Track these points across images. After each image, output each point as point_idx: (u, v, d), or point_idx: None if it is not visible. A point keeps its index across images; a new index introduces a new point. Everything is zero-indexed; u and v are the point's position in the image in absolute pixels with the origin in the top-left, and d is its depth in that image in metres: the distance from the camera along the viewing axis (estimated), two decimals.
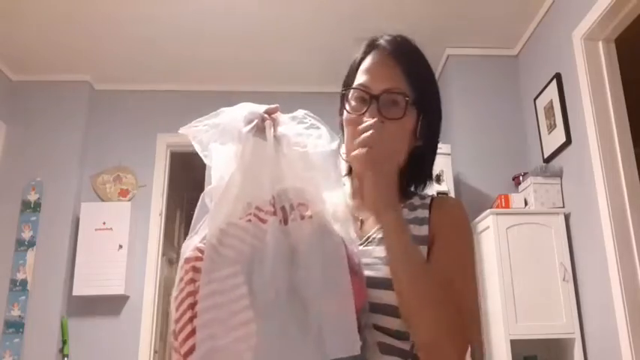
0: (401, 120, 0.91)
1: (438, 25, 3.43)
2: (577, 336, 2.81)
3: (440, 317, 0.78)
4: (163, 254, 4.01)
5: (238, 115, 0.81)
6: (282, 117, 0.83)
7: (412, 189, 1.02)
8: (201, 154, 0.83)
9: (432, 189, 1.04)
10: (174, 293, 0.75)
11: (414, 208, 0.95)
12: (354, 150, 0.84)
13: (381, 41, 0.97)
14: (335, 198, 0.83)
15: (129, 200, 3.87)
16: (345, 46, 3.55)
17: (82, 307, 3.61)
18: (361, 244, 0.90)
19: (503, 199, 3.14)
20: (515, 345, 2.80)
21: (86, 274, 3.58)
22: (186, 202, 4.96)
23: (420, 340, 0.79)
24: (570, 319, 2.83)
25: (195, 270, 0.74)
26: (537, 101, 3.38)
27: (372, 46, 0.98)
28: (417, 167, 1.00)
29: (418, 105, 0.94)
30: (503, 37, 3.63)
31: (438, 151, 1.04)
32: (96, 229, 3.68)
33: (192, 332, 0.70)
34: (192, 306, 0.72)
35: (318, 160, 0.82)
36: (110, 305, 3.65)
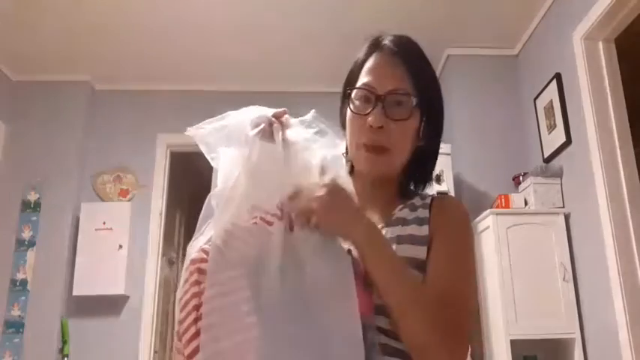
0: (406, 121, 0.92)
1: (438, 25, 3.43)
2: (577, 336, 2.81)
3: (428, 319, 0.78)
4: (163, 254, 4.01)
5: (245, 118, 0.81)
6: (291, 121, 0.83)
7: (413, 188, 1.02)
8: (208, 157, 0.83)
9: (432, 189, 1.05)
10: (178, 294, 0.75)
11: (414, 208, 0.95)
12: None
13: (386, 41, 0.97)
14: None
15: (129, 200, 3.87)
16: (344, 45, 3.56)
17: (82, 307, 3.61)
18: None
19: (503, 199, 3.14)
20: (515, 345, 2.80)
21: (86, 274, 3.58)
22: (186, 202, 4.95)
23: (411, 344, 0.79)
24: (570, 319, 2.83)
25: (201, 272, 0.74)
26: (537, 101, 3.38)
27: (375, 46, 0.98)
28: (419, 167, 1.00)
29: (422, 106, 0.94)
30: (503, 37, 3.64)
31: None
32: (96, 229, 3.68)
33: (197, 334, 0.70)
34: (197, 307, 0.72)
35: (326, 166, 0.82)
36: (110, 305, 3.65)
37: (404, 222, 0.93)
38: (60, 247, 3.67)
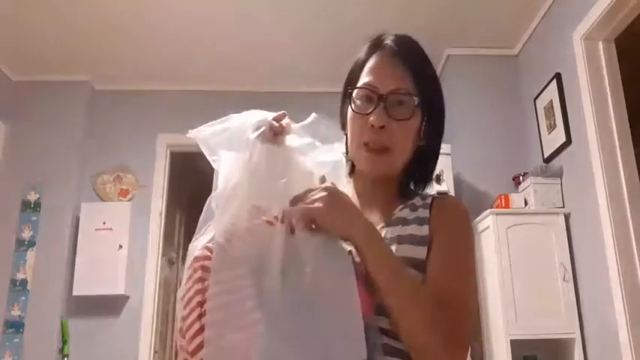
0: (407, 120, 0.92)
1: (438, 25, 3.43)
2: (577, 336, 2.81)
3: (427, 319, 0.78)
4: (163, 254, 4.01)
5: (246, 121, 0.82)
6: (292, 125, 0.84)
7: (413, 188, 1.02)
8: (209, 159, 0.84)
9: (432, 189, 1.04)
10: (181, 292, 0.76)
11: (415, 208, 0.95)
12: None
13: (387, 41, 0.97)
14: None
15: (129, 200, 3.87)
16: (344, 45, 3.56)
17: (82, 307, 3.61)
18: None
19: (503, 199, 3.14)
20: (515, 345, 2.80)
21: (86, 274, 3.58)
22: (186, 202, 4.95)
23: (411, 344, 0.79)
24: (570, 319, 2.83)
25: (204, 269, 0.75)
26: (537, 101, 3.38)
27: (377, 45, 0.97)
28: (420, 167, 1.00)
29: (423, 105, 0.94)
30: (503, 37, 3.64)
31: None
32: (96, 229, 3.68)
33: (200, 330, 0.71)
34: (201, 304, 0.72)
35: (326, 171, 0.82)
36: (110, 305, 3.65)
37: (404, 222, 0.93)
38: (60, 247, 3.67)
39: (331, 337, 0.70)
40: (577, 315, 2.84)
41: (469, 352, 0.84)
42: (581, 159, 2.88)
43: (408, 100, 0.92)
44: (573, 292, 2.88)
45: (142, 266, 3.75)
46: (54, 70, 3.90)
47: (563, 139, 3.05)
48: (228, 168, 0.81)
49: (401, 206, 0.96)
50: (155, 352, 3.76)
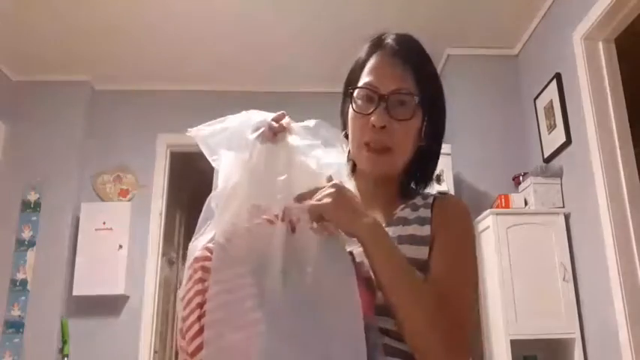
0: (408, 120, 0.91)
1: (438, 25, 3.43)
2: (577, 336, 2.81)
3: (429, 319, 0.78)
4: (163, 254, 4.01)
5: (246, 122, 0.81)
6: (293, 125, 0.83)
7: (414, 188, 1.02)
8: (209, 158, 0.83)
9: (433, 189, 1.04)
10: (181, 292, 0.76)
11: (416, 208, 0.95)
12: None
13: (388, 40, 0.97)
14: None
15: (129, 200, 3.87)
16: (344, 45, 3.55)
17: (82, 307, 3.61)
18: None
19: (503, 199, 3.14)
20: (515, 345, 2.80)
21: (86, 274, 3.58)
22: (186, 202, 4.95)
23: (413, 344, 0.79)
24: (570, 319, 2.83)
25: (205, 269, 0.74)
26: (537, 101, 3.38)
27: (377, 45, 0.97)
28: (421, 167, 1.00)
29: (424, 105, 0.94)
30: (503, 37, 3.64)
31: None
32: (96, 229, 3.68)
33: (200, 331, 0.71)
34: (201, 305, 0.72)
35: (331, 172, 0.82)
36: (110, 305, 3.65)
37: (405, 222, 0.93)
38: (60, 247, 3.67)
39: (331, 337, 0.70)
40: (577, 315, 2.84)
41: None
42: (581, 159, 2.88)
43: (409, 99, 0.92)
44: (573, 292, 2.88)
45: (142, 266, 3.75)
46: (54, 70, 3.90)
47: (563, 139, 3.05)
48: (228, 167, 0.81)
49: (402, 206, 0.96)
50: (155, 352, 3.76)
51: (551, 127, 3.19)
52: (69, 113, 3.93)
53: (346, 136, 0.99)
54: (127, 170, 3.93)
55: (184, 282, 0.76)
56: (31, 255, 3.65)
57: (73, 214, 3.74)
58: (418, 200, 0.97)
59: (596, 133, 2.72)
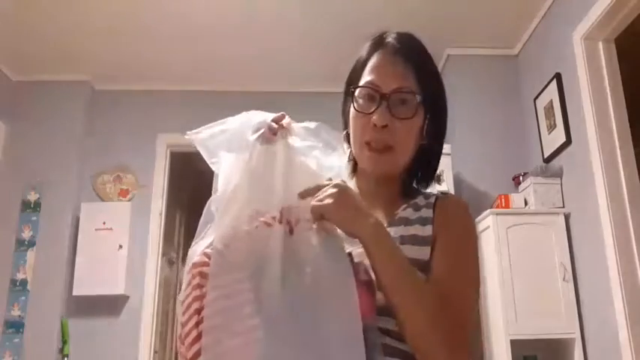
0: (410, 119, 0.91)
1: (438, 25, 3.43)
2: (577, 336, 2.81)
3: (430, 319, 0.77)
4: (163, 254, 4.01)
5: (245, 123, 0.81)
6: (294, 126, 0.83)
7: (416, 187, 1.02)
8: (208, 161, 0.83)
9: (433, 188, 1.04)
10: (180, 298, 0.76)
11: (418, 208, 0.95)
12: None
13: (389, 39, 0.96)
14: None
15: (129, 200, 3.87)
16: (344, 45, 3.55)
17: (82, 307, 3.61)
18: None
19: (503, 199, 3.14)
20: (515, 345, 2.80)
21: (86, 274, 3.58)
22: (186, 202, 4.95)
23: (414, 344, 0.79)
24: (570, 319, 2.83)
25: (202, 275, 0.74)
26: (537, 101, 3.38)
27: (379, 43, 0.97)
28: (423, 166, 1.00)
29: (426, 104, 0.93)
30: (503, 37, 3.64)
31: None
32: (96, 229, 3.68)
33: (198, 337, 0.71)
34: (199, 311, 0.72)
35: (332, 175, 0.82)
36: (110, 305, 3.65)
37: (407, 222, 0.92)
38: (60, 247, 3.67)
39: (330, 340, 0.70)
40: (577, 315, 2.84)
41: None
42: (581, 159, 2.88)
43: (410, 98, 0.91)
44: (573, 292, 2.88)
45: (142, 266, 3.75)
46: (54, 70, 3.90)
47: (563, 139, 3.05)
48: (228, 170, 0.80)
49: (404, 206, 0.96)
50: (155, 352, 3.76)
51: (551, 127, 3.19)
52: (69, 113, 3.93)
53: (347, 136, 0.99)
54: (127, 170, 3.93)
55: (183, 287, 0.76)
56: (31, 255, 3.65)
57: (73, 214, 3.74)
58: (420, 200, 0.96)
59: (596, 133, 2.72)
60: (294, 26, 3.49)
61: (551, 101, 3.20)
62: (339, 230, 0.80)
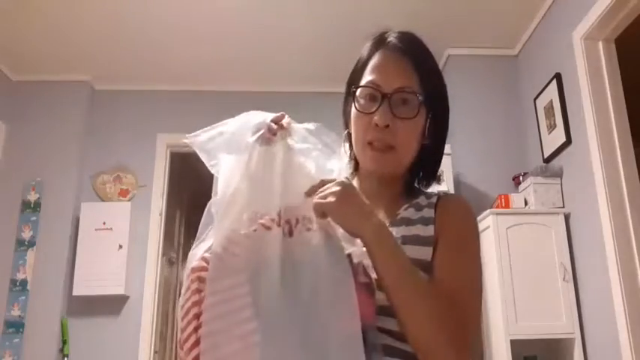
0: (412, 119, 0.91)
1: (438, 25, 3.43)
2: (577, 336, 2.81)
3: (434, 319, 0.77)
4: (163, 254, 4.01)
5: (244, 124, 0.81)
6: (294, 126, 0.82)
7: (417, 186, 1.01)
8: (207, 164, 0.83)
9: (434, 188, 1.04)
10: (180, 302, 0.76)
11: (420, 207, 0.94)
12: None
13: (390, 38, 0.96)
14: None
15: (129, 200, 3.87)
16: (344, 45, 3.56)
17: (82, 307, 3.61)
18: None
19: (503, 199, 3.14)
20: (515, 345, 2.80)
21: (86, 274, 3.58)
22: (186, 202, 4.95)
23: (417, 345, 0.79)
24: (570, 319, 2.83)
25: (201, 280, 0.74)
26: (537, 101, 3.38)
27: (380, 43, 0.96)
28: (425, 166, 1.00)
29: (428, 103, 0.93)
30: (503, 37, 3.64)
31: None
32: (96, 229, 3.68)
33: (197, 342, 0.71)
34: (198, 316, 0.72)
35: (327, 174, 0.82)
36: (110, 305, 3.65)
37: (408, 222, 0.92)
38: (60, 247, 3.67)
39: (329, 342, 0.69)
40: (577, 315, 2.84)
41: None
42: (581, 159, 2.88)
43: (412, 98, 0.91)
44: (573, 292, 2.88)
45: (142, 266, 3.75)
46: (54, 70, 3.90)
47: (563, 139, 3.05)
48: (227, 172, 0.80)
49: (406, 205, 0.95)
50: (155, 352, 3.76)
51: (551, 127, 3.19)
52: (69, 113, 3.93)
53: (348, 136, 0.98)
54: (127, 170, 3.93)
55: (182, 292, 0.76)
56: (31, 255, 3.65)
57: (73, 214, 3.74)
58: (422, 200, 0.96)
59: (596, 133, 2.72)
60: (295, 27, 3.49)
61: (551, 101, 3.20)
62: (340, 230, 0.79)
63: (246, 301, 0.71)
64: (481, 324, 3.07)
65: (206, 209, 0.80)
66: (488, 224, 3.01)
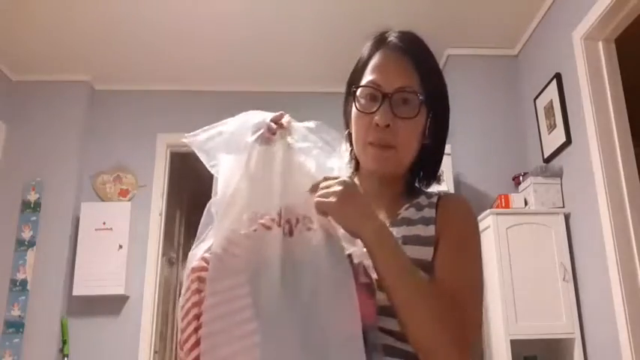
0: (413, 119, 0.91)
1: (438, 25, 3.43)
2: (577, 336, 2.81)
3: (436, 319, 0.77)
4: (163, 254, 4.01)
5: (244, 123, 0.80)
6: (294, 124, 0.82)
7: (418, 186, 1.01)
8: (207, 165, 0.82)
9: (434, 188, 1.03)
10: (180, 302, 0.75)
11: (420, 207, 0.94)
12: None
13: (392, 38, 0.96)
14: None
15: (129, 200, 3.87)
16: (344, 46, 3.56)
17: (82, 307, 3.61)
18: None
19: (503, 199, 3.14)
20: (515, 345, 2.80)
21: (86, 274, 3.58)
22: (186, 202, 4.95)
23: (419, 345, 0.78)
24: (570, 319, 2.83)
25: (201, 280, 0.74)
26: (537, 101, 3.38)
27: (380, 42, 0.96)
28: (426, 166, 1.00)
29: (429, 103, 0.93)
30: (503, 37, 3.64)
31: None
32: (96, 229, 3.68)
33: (197, 343, 0.70)
34: (198, 317, 0.72)
35: (328, 172, 0.81)
36: (110, 305, 3.65)
37: (409, 222, 0.92)
38: (60, 247, 3.67)
39: (329, 343, 0.69)
40: (577, 315, 2.84)
41: None
42: (581, 159, 2.88)
43: (413, 97, 0.91)
44: (573, 292, 2.88)
45: (142, 266, 3.75)
46: (54, 70, 3.90)
47: (563, 139, 3.05)
48: (227, 172, 0.79)
49: (406, 205, 0.95)
50: (155, 352, 3.76)
51: (551, 127, 3.19)
52: (69, 113, 3.93)
53: (349, 136, 0.98)
54: (127, 170, 3.93)
55: (182, 292, 0.76)
56: (31, 255, 3.65)
57: (73, 214, 3.74)
58: (422, 200, 0.96)
59: (596, 133, 2.72)
60: (295, 27, 3.49)
61: (551, 101, 3.20)
62: (340, 229, 0.79)
63: (246, 302, 0.71)
64: (482, 324, 3.07)
65: (206, 209, 0.80)
66: (488, 224, 3.01)
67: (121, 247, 3.66)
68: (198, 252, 0.78)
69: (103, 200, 3.87)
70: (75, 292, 3.57)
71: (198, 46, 3.68)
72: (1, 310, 3.54)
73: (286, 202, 0.77)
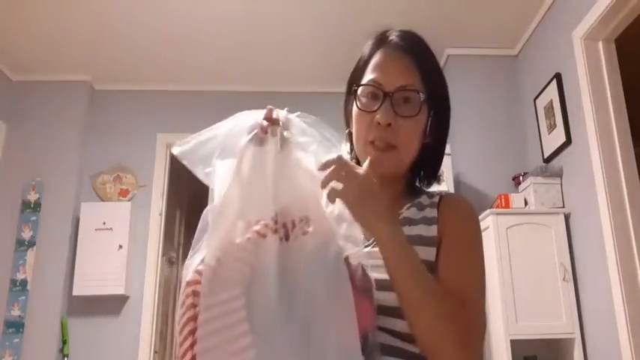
0: (414, 117, 0.91)
1: (438, 25, 3.43)
2: (577, 336, 2.81)
3: (446, 320, 0.77)
4: (163, 254, 4.01)
5: (237, 126, 0.78)
6: (292, 118, 0.80)
7: (419, 186, 1.01)
8: (201, 175, 0.79)
9: (435, 188, 1.03)
10: (177, 317, 0.74)
11: (422, 207, 0.94)
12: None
13: (392, 37, 0.95)
14: None
15: (129, 200, 3.87)
16: (344, 46, 3.56)
17: (82, 307, 3.61)
18: (367, 246, 0.87)
19: (503, 199, 3.14)
20: (515, 345, 2.80)
21: (86, 274, 3.58)
22: (186, 202, 4.95)
23: (428, 346, 0.78)
24: (570, 319, 2.83)
25: (196, 294, 0.72)
26: (537, 101, 3.38)
27: (381, 41, 0.96)
28: (426, 165, 1.00)
29: (430, 102, 0.93)
30: (503, 37, 3.64)
31: None
32: (96, 229, 3.68)
33: (194, 358, 0.69)
34: (193, 332, 0.70)
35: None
36: (110, 305, 3.65)
37: (411, 222, 0.91)
38: (60, 247, 3.67)
39: (326, 352, 0.68)
40: (577, 315, 2.84)
41: None
42: (581, 159, 2.88)
43: (414, 96, 0.91)
44: (573, 292, 2.88)
45: (142, 266, 3.75)
46: (54, 70, 3.90)
47: (563, 139, 3.05)
48: (222, 178, 0.77)
49: (408, 205, 0.95)
50: (155, 352, 3.76)
51: (551, 127, 3.19)
52: (69, 113, 3.93)
53: (349, 135, 0.98)
54: (127, 170, 3.93)
55: (179, 307, 0.75)
56: (31, 255, 3.65)
57: (73, 214, 3.74)
58: (424, 199, 0.96)
59: (596, 133, 2.72)
60: (295, 27, 3.49)
61: (551, 101, 3.20)
62: (339, 226, 0.78)
63: (240, 316, 0.69)
64: (487, 323, 3.07)
65: (202, 217, 0.78)
66: (489, 224, 3.01)
67: (121, 247, 3.66)
68: (193, 262, 0.75)
69: (103, 200, 3.87)
70: (75, 292, 3.57)
71: (198, 46, 3.68)
72: (1, 310, 3.54)
73: (281, 205, 0.75)
